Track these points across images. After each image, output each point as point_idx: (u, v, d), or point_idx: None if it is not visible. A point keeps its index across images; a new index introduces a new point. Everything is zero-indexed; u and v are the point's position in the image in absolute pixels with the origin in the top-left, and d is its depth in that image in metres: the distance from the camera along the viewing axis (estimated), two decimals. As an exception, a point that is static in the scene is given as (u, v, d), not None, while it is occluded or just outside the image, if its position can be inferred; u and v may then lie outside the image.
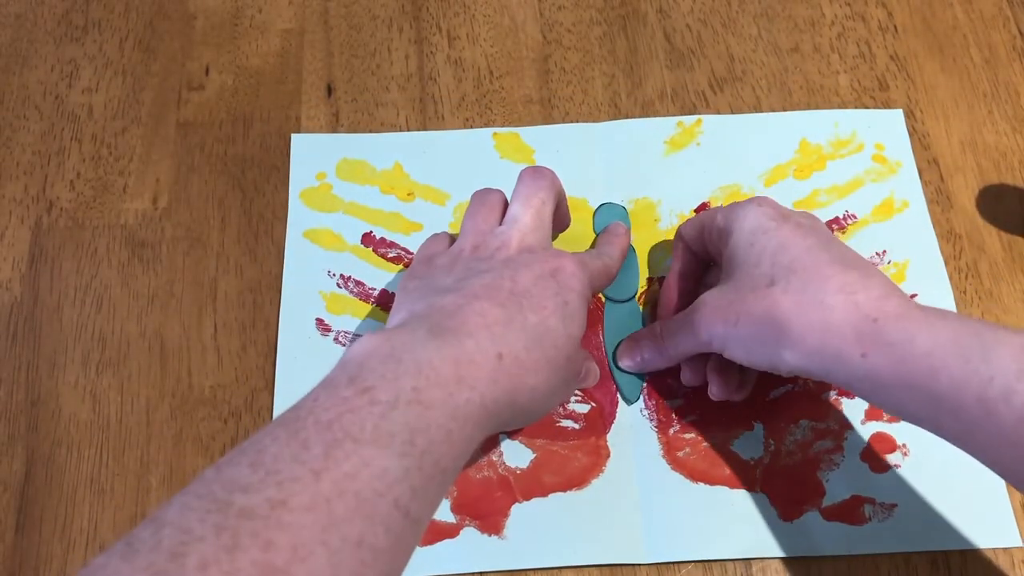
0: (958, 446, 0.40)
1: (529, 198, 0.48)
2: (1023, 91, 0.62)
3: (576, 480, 0.51)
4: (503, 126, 0.61)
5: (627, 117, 0.62)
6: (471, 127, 0.61)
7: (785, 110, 0.62)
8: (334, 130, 0.61)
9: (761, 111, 0.62)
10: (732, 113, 0.62)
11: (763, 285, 0.44)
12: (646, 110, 0.62)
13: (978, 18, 0.65)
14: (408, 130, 0.61)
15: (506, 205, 0.50)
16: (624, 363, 0.53)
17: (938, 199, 0.59)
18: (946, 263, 0.57)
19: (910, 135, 0.61)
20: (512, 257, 0.46)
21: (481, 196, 0.51)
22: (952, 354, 0.38)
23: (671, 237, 0.57)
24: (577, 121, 0.61)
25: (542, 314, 0.43)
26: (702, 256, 0.53)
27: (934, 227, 0.58)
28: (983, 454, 0.39)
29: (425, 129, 0.61)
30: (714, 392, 0.50)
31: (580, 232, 0.58)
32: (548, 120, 0.61)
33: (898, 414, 0.42)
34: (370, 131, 0.61)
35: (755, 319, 0.44)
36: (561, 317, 0.44)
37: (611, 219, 0.58)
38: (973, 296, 0.56)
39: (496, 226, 0.48)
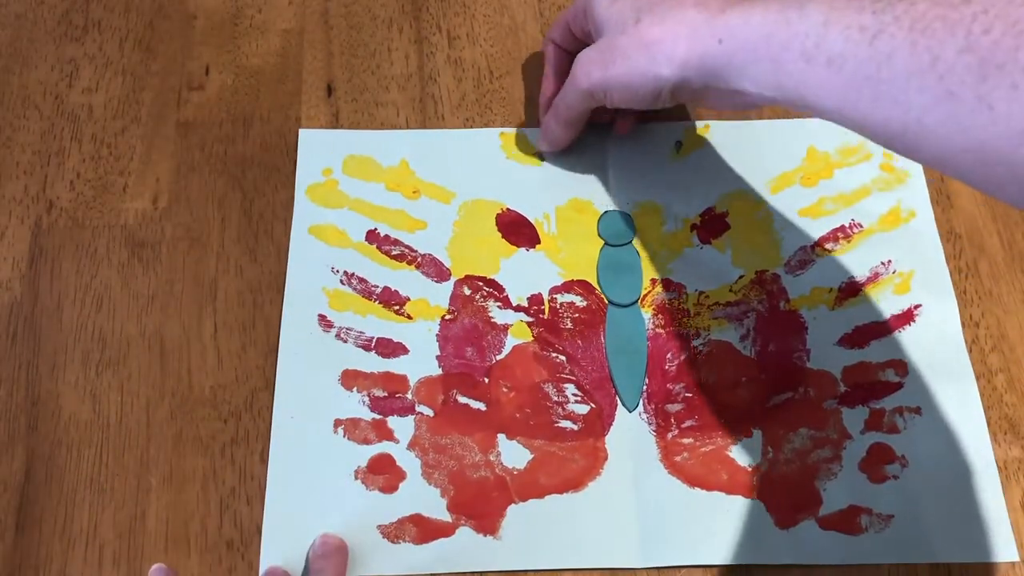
0: (799, 106, 0.46)
1: None
2: (1026, 92, 0.62)
3: (573, 482, 0.51)
4: (503, 126, 0.61)
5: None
6: (471, 127, 0.61)
7: (792, 117, 0.62)
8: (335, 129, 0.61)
9: (767, 117, 0.61)
10: (736, 117, 0.61)
11: (631, 24, 0.51)
12: (646, 111, 0.61)
13: (982, 17, 0.65)
14: (409, 130, 0.61)
15: None
16: (541, 145, 0.60)
17: (938, 199, 0.59)
18: (946, 262, 0.57)
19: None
20: None
21: None
22: (779, 21, 0.45)
23: (675, 242, 0.57)
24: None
25: None
26: (574, 50, 0.57)
27: (936, 227, 0.58)
28: (814, 102, 0.44)
29: (425, 129, 0.61)
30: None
31: (584, 234, 0.58)
32: (549, 120, 0.61)
33: (757, 90, 0.47)
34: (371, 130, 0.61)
35: (629, 52, 0.50)
36: None
37: (616, 225, 0.58)
38: (973, 296, 0.56)
39: None
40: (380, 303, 0.56)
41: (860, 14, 0.41)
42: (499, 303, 0.56)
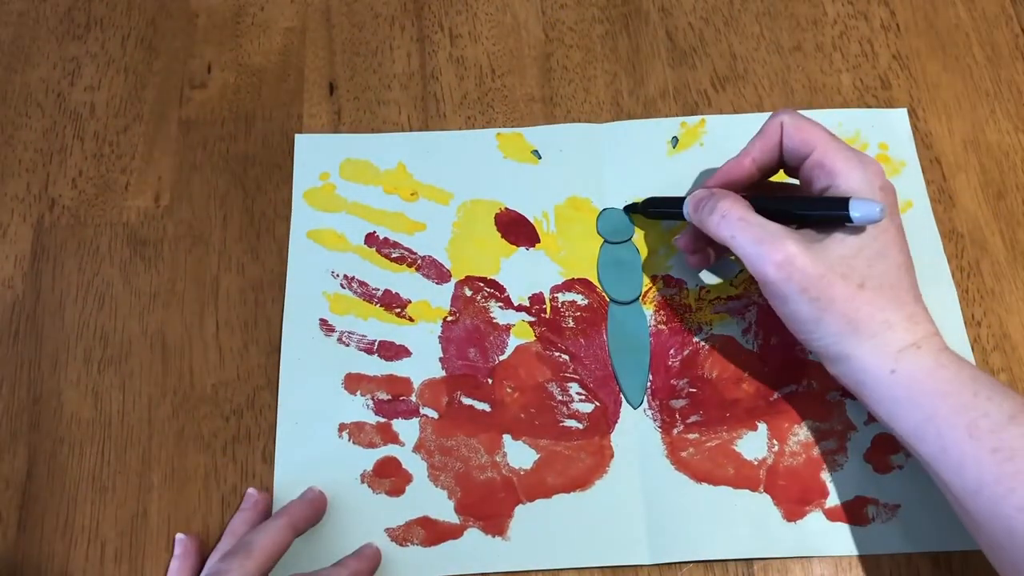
0: (924, 461, 0.45)
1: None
2: (1026, 90, 0.63)
3: (580, 481, 0.51)
4: (505, 125, 0.61)
5: (629, 115, 0.61)
6: (473, 126, 0.61)
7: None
8: (336, 128, 0.61)
9: (763, 110, 0.62)
10: (734, 112, 0.61)
11: (855, 283, 0.46)
12: (648, 108, 0.62)
13: (980, 17, 0.65)
14: (410, 128, 0.61)
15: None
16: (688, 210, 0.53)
17: (940, 198, 0.59)
18: (948, 262, 0.57)
19: (912, 134, 0.61)
20: None
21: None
22: (965, 387, 0.44)
23: (673, 238, 0.57)
24: (579, 120, 0.61)
25: None
26: (775, 162, 0.52)
27: (936, 226, 0.58)
28: (943, 469, 0.44)
29: (427, 127, 0.61)
30: (691, 262, 0.55)
31: (583, 232, 0.58)
32: (550, 119, 0.61)
33: (886, 421, 0.46)
34: (372, 129, 0.61)
35: (837, 311, 0.46)
36: None
37: (615, 223, 0.58)
38: (975, 295, 0.56)
39: None
40: (381, 306, 0.56)
41: None
42: (500, 303, 0.56)
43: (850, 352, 0.46)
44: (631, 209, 0.58)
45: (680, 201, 0.53)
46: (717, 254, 0.55)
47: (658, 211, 0.56)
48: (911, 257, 0.48)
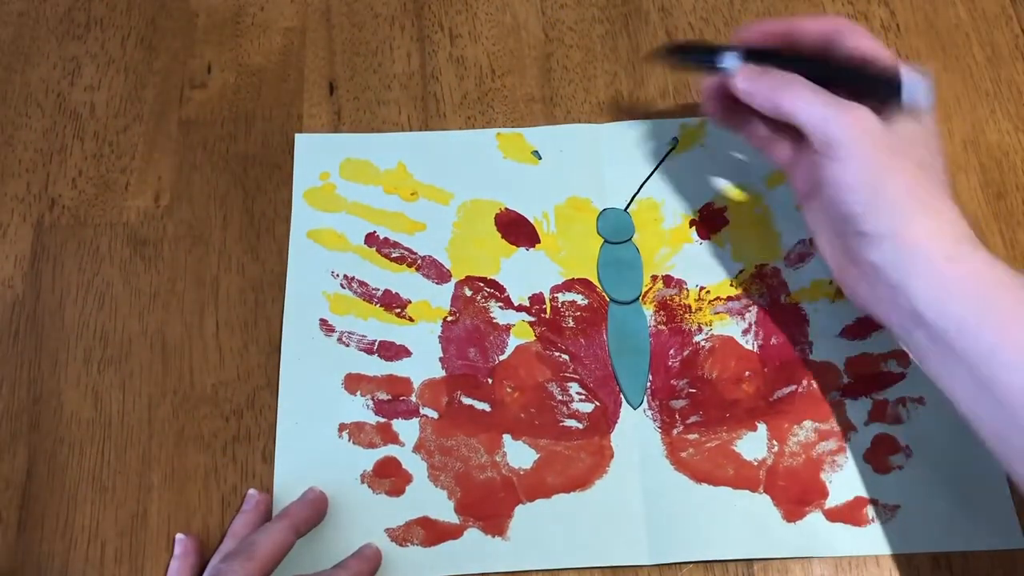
0: (958, 358, 0.43)
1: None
2: (1026, 90, 0.63)
3: (580, 481, 0.51)
4: (505, 125, 0.61)
5: (629, 115, 0.61)
6: (473, 126, 0.61)
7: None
8: (336, 128, 0.61)
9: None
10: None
11: (915, 162, 0.45)
12: (648, 108, 0.62)
13: (980, 17, 0.65)
14: (410, 128, 0.61)
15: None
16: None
17: (940, 198, 0.59)
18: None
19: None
20: None
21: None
22: (1007, 277, 0.43)
23: (674, 238, 0.57)
24: (579, 120, 0.61)
25: None
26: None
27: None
28: (993, 369, 0.42)
29: (427, 127, 0.61)
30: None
31: (584, 232, 0.58)
32: (550, 119, 0.61)
33: (930, 307, 0.43)
34: (372, 129, 0.61)
35: (900, 181, 0.45)
36: None
37: (615, 223, 0.58)
38: (975, 296, 0.56)
39: None
40: (381, 306, 0.56)
41: None
42: (500, 303, 0.56)
43: (905, 230, 0.44)
44: (658, 54, 0.55)
45: (715, 51, 0.51)
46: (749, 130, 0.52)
47: (690, 58, 0.54)
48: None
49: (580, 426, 0.53)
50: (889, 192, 0.44)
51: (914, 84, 0.45)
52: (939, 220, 0.44)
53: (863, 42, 0.48)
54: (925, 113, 0.46)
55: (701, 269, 0.57)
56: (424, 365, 0.54)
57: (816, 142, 0.46)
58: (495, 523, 0.50)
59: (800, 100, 0.46)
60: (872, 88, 0.47)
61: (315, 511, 0.50)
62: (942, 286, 0.43)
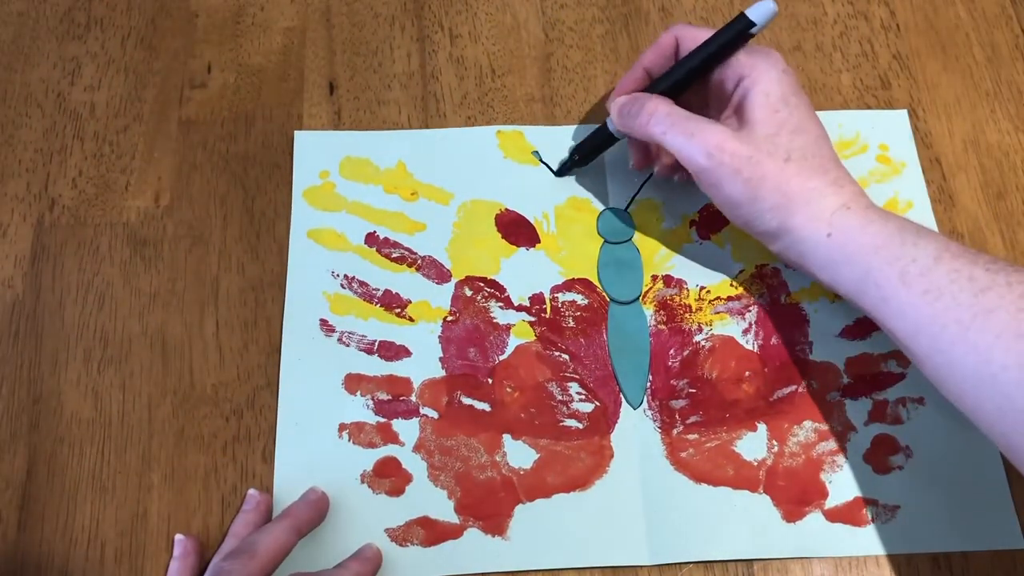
0: (870, 314, 0.48)
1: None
2: (1026, 90, 0.63)
3: (580, 481, 0.51)
4: (505, 125, 0.61)
5: (630, 116, 0.61)
6: (473, 125, 0.61)
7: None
8: (336, 128, 0.61)
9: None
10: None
11: (781, 158, 0.49)
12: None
13: (981, 17, 0.65)
14: (410, 128, 0.61)
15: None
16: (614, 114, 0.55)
17: (940, 198, 0.59)
18: (949, 262, 0.57)
19: (912, 134, 0.61)
20: None
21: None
22: (893, 238, 0.47)
23: (675, 238, 0.57)
24: (579, 120, 0.61)
25: None
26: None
27: (937, 226, 0.58)
28: (885, 319, 0.47)
29: (427, 127, 0.61)
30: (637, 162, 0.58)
31: (584, 232, 0.58)
32: (550, 119, 0.61)
33: (829, 284, 0.49)
34: (372, 129, 0.61)
35: (769, 186, 0.49)
36: None
37: (615, 223, 0.58)
38: (975, 296, 0.56)
39: None
40: (381, 306, 0.56)
41: (973, 266, 0.44)
42: (500, 303, 0.56)
43: (787, 224, 0.49)
44: (563, 170, 0.59)
45: (602, 128, 0.56)
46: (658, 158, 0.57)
47: (588, 150, 0.58)
48: (825, 130, 0.51)
49: (580, 426, 0.53)
50: (763, 198, 0.49)
51: (755, 9, 0.50)
52: (813, 205, 0.48)
53: (699, 33, 0.53)
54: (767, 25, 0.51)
55: (701, 269, 0.57)
56: (424, 365, 0.54)
57: (688, 168, 0.51)
58: (495, 523, 0.50)
59: (666, 130, 0.51)
60: (731, 42, 0.51)
61: (317, 512, 0.50)
62: (829, 258, 0.48)
